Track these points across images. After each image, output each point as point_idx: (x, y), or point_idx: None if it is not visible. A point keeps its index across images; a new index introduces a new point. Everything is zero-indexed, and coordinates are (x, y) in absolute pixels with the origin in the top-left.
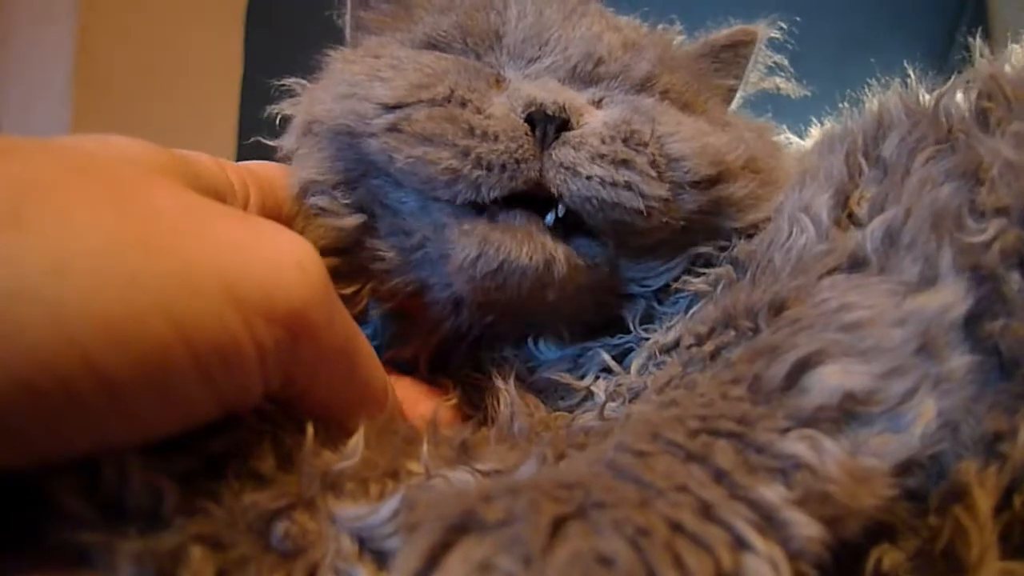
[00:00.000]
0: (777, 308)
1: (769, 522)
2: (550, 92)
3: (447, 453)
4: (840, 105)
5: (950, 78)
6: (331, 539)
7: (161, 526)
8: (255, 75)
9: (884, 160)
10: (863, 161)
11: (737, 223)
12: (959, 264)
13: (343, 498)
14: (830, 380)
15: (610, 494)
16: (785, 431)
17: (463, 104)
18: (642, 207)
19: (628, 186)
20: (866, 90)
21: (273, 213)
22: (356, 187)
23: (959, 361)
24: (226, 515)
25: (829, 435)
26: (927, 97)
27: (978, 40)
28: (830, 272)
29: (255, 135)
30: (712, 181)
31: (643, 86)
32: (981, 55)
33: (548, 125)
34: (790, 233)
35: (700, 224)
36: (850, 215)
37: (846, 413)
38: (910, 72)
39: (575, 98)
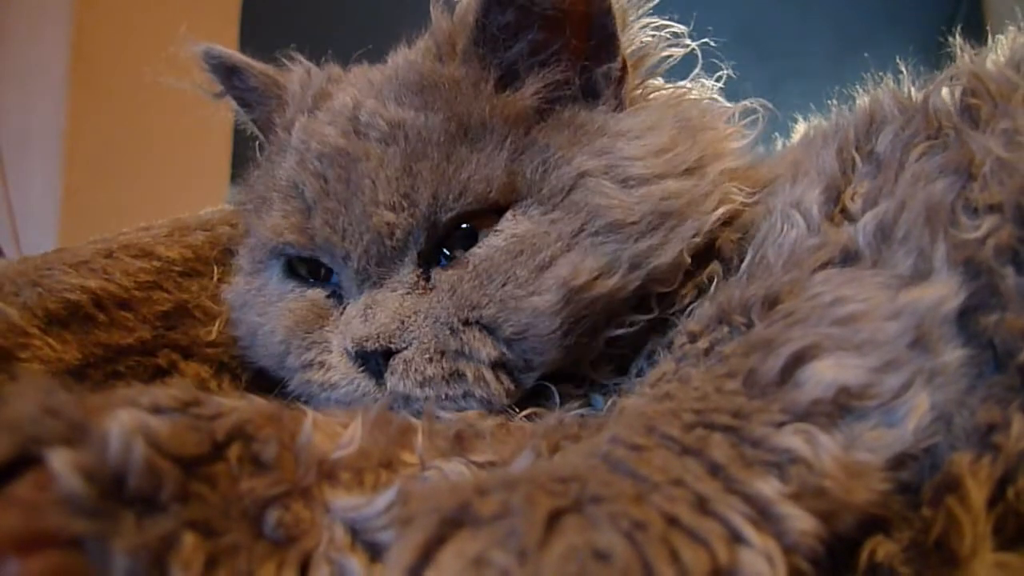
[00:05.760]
0: (771, 302)
1: (764, 516)
2: (366, 323)
3: (441, 444)
4: (837, 101)
5: (940, 72)
6: (325, 529)
7: (158, 511)
8: None
9: (878, 155)
10: (856, 156)
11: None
12: (952, 258)
13: (338, 488)
14: (825, 374)
15: (606, 488)
16: (780, 425)
17: (308, 366)
18: (487, 394)
19: (465, 393)
20: (860, 87)
21: None
22: None
23: (953, 355)
24: (221, 501)
25: (824, 429)
26: (916, 94)
27: (958, 37)
28: (823, 266)
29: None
30: (570, 300)
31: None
32: (962, 51)
33: (374, 361)
34: (782, 229)
35: (604, 310)
36: (843, 210)
37: (841, 407)
38: (903, 68)
39: (392, 315)
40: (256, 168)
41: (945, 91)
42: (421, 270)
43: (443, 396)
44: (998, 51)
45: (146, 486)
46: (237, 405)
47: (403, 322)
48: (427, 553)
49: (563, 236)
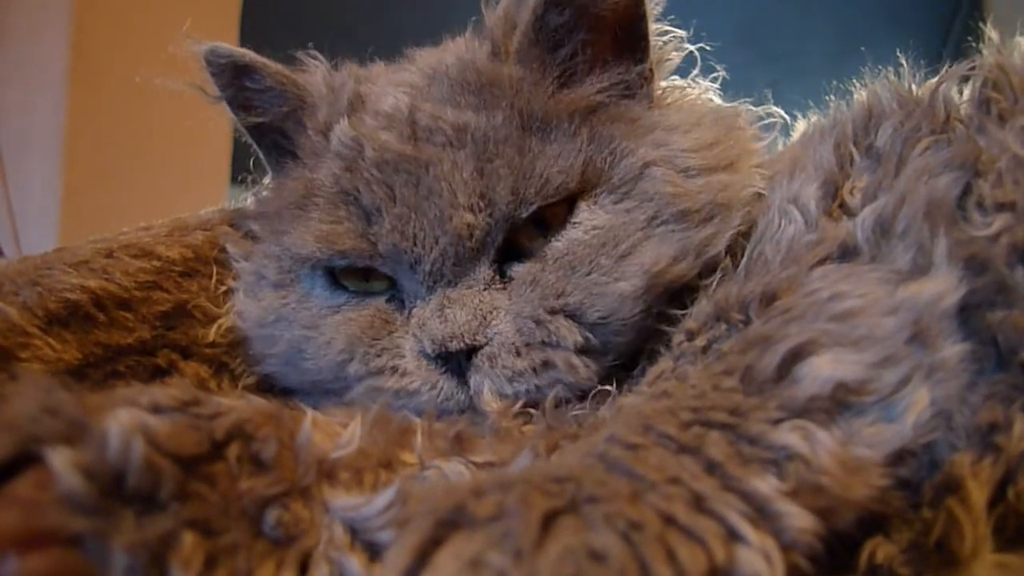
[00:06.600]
0: (768, 299)
1: (762, 514)
2: (445, 322)
3: (441, 444)
4: (835, 97)
5: (945, 69)
6: (324, 528)
7: (157, 509)
8: None
9: (877, 149)
10: (854, 150)
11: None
12: (954, 254)
13: (337, 487)
14: (822, 370)
15: (602, 488)
16: (777, 422)
17: (379, 372)
18: (577, 380)
19: (555, 381)
20: (858, 82)
21: None
22: None
23: (952, 350)
24: (220, 500)
25: (822, 425)
26: (917, 89)
27: (988, 27)
28: (821, 262)
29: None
30: (651, 286)
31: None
32: (990, 40)
33: (455, 361)
34: (780, 225)
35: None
36: (841, 205)
37: (839, 403)
38: (903, 61)
39: (473, 312)
40: (273, 173)
41: (958, 83)
42: (497, 265)
43: (534, 389)
44: (1018, 51)
45: (145, 485)
46: (236, 405)
47: (485, 317)
48: (423, 555)
49: (639, 225)
